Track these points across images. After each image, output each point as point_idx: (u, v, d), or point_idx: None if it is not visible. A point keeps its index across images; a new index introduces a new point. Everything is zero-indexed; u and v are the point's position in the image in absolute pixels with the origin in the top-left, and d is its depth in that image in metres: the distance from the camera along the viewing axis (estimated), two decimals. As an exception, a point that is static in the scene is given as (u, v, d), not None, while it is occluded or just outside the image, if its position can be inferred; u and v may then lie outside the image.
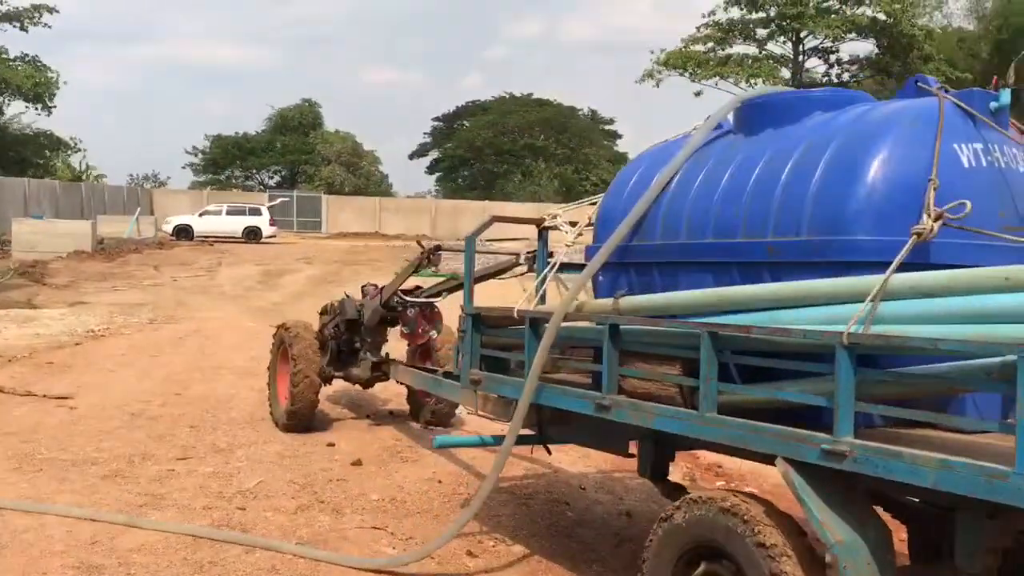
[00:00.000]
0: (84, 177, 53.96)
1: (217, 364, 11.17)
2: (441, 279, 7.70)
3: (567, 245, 5.26)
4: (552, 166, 71.62)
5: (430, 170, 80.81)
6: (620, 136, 79.93)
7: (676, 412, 3.74)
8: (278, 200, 49.51)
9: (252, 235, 42.97)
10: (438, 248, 7.73)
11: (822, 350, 3.16)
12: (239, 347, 12.61)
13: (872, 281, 3.22)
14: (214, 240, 40.90)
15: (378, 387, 8.64)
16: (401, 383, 7.82)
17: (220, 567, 4.87)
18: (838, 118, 3.97)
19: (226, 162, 74.13)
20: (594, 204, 5.33)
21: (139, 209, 40.86)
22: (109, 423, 8.07)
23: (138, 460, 6.94)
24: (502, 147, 72.49)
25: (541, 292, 5.24)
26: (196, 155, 74.21)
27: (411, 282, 7.80)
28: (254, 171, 75.70)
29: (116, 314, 16.20)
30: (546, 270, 5.21)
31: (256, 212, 44.43)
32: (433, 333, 7.45)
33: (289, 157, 72.65)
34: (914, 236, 3.28)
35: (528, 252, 6.34)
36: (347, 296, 8.41)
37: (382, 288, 7.91)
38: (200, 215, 43.61)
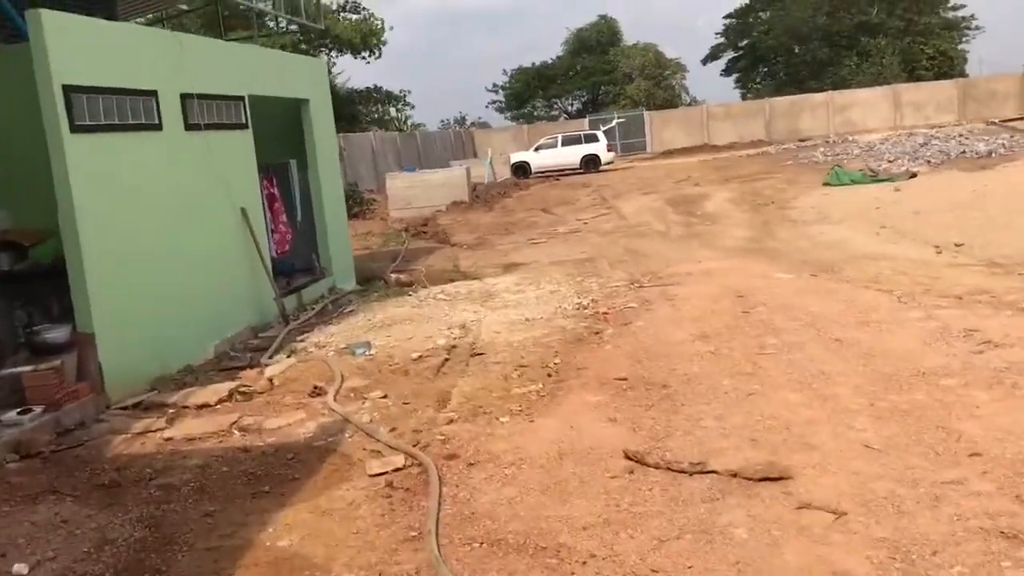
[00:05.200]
0: (404, 127, 52.93)
1: (897, 379, 6.45)
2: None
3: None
4: (892, 42, 61.48)
5: (727, 72, 73.19)
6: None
7: None
8: (613, 122, 45.29)
9: (590, 164, 39.05)
10: None
11: None
12: (842, 321, 7.98)
13: None
14: (559, 174, 37.44)
15: None
16: None
17: None
18: None
19: (528, 95, 71.67)
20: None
21: (489, 151, 38.19)
22: None
23: None
24: (831, 30, 63.22)
25: None
26: (497, 92, 72.31)
27: None
28: (555, 99, 72.69)
29: (578, 277, 12.29)
30: None
31: (592, 139, 40.37)
32: None
33: (591, 79, 68.61)
34: None
35: None
36: None
37: None
38: (536, 149, 40.29)
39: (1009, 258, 10.37)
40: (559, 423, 6.02)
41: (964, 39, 64.72)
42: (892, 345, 6.98)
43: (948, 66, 60.87)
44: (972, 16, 63.66)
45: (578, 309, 10.13)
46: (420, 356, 8.49)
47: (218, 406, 7.42)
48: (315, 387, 7.61)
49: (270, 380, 8.07)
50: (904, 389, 5.91)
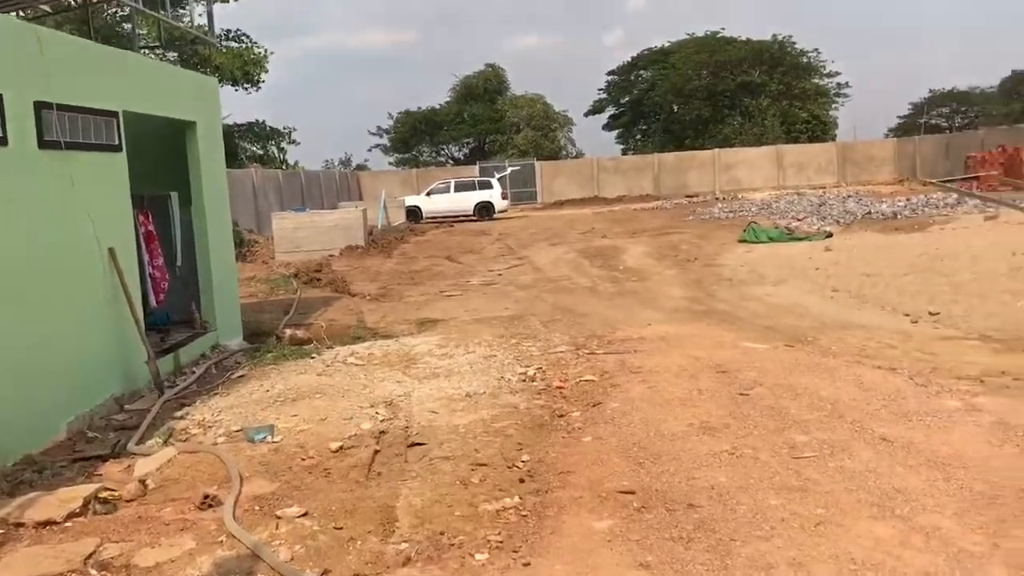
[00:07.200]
0: (285, 165, 50.28)
1: (1004, 503, 5.03)
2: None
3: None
4: (773, 103, 63.29)
5: (608, 127, 73.90)
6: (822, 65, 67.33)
7: None
8: (508, 169, 44.29)
9: (484, 211, 37.81)
10: None
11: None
12: (871, 411, 6.60)
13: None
14: (452, 220, 35.98)
15: None
16: None
17: None
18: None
19: (415, 139, 70.30)
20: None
21: (383, 192, 36.18)
22: None
23: None
24: (714, 89, 64.50)
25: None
26: (381, 135, 70.51)
27: None
28: (442, 145, 71.50)
29: (511, 339, 10.64)
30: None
31: (486, 185, 39.12)
32: None
33: (479, 127, 67.81)
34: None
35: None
36: None
37: None
38: (428, 194, 38.70)
39: (1001, 331, 9.33)
40: (569, 570, 4.28)
41: (834, 106, 67.30)
42: (957, 448, 5.60)
43: (822, 130, 63.21)
44: (847, 84, 66.33)
45: (524, 381, 8.49)
46: (341, 447, 6.64)
47: (68, 523, 5.35)
48: (205, 495, 5.63)
49: (142, 482, 6.03)
50: (1025, 521, 4.48)
